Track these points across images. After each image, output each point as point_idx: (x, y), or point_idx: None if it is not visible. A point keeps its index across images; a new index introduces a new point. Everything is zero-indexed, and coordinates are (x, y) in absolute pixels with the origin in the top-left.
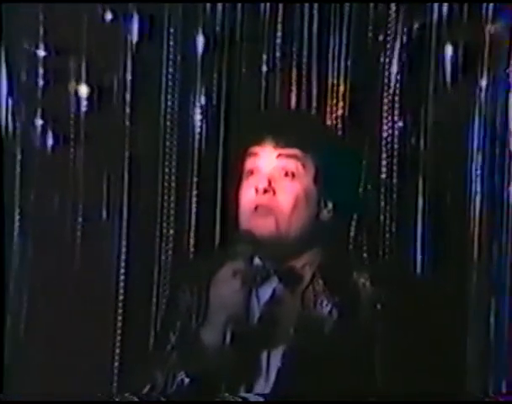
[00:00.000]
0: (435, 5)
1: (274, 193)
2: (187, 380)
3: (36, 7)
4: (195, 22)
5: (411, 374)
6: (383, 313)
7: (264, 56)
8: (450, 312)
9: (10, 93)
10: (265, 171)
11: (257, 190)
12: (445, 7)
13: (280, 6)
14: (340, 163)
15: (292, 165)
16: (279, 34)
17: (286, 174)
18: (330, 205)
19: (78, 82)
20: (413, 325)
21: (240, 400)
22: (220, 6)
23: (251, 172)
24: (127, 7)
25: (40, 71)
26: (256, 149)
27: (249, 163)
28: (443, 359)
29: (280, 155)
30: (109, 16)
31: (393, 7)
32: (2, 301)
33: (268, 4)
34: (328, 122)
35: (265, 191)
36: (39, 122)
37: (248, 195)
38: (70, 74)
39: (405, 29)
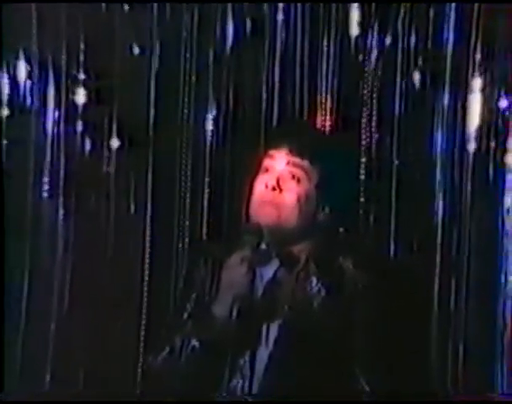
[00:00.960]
0: (405, 33)
1: (281, 191)
2: (199, 346)
3: (78, 38)
4: (207, 47)
5: (387, 342)
6: (363, 291)
7: (264, 77)
8: (418, 289)
9: (57, 108)
10: (276, 171)
11: (266, 186)
12: (413, 37)
13: (278, 35)
14: (341, 176)
15: (299, 172)
16: (277, 56)
17: (293, 177)
18: (327, 210)
19: (111, 99)
20: (387, 301)
21: (242, 400)
22: (230, 35)
23: (266, 170)
24: (152, 41)
25: (81, 91)
26: (273, 152)
27: (266, 162)
28: (412, 329)
29: (289, 162)
30: (136, 50)
31: (370, 35)
32: (2, 301)
33: (269, 33)
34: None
35: (273, 188)
36: (79, 131)
37: (259, 189)
38: (104, 94)
39: (380, 53)
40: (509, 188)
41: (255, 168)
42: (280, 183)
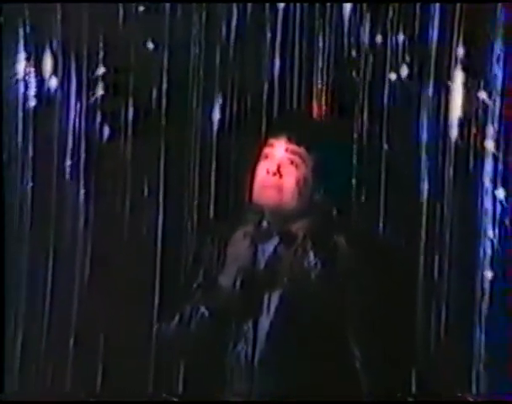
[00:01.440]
0: (394, 31)
1: (281, 176)
2: (207, 314)
3: (97, 36)
4: (214, 44)
5: (377, 311)
6: (355, 265)
7: (265, 72)
8: (405, 263)
9: (79, 100)
10: (276, 158)
11: (268, 172)
12: (401, 35)
13: (279, 33)
14: (334, 161)
15: (296, 158)
16: (277, 52)
17: (292, 163)
18: (322, 191)
19: (127, 91)
20: (377, 273)
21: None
22: (234, 33)
23: (266, 157)
24: (164, 38)
25: (100, 84)
26: (273, 141)
27: (266, 150)
28: (399, 298)
29: (287, 149)
30: (150, 47)
31: (362, 33)
32: (3, 301)
33: (269, 31)
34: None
35: (274, 174)
36: (98, 121)
37: (261, 174)
38: (121, 87)
39: (371, 49)
40: (487, 170)
41: (257, 155)
42: (280, 169)
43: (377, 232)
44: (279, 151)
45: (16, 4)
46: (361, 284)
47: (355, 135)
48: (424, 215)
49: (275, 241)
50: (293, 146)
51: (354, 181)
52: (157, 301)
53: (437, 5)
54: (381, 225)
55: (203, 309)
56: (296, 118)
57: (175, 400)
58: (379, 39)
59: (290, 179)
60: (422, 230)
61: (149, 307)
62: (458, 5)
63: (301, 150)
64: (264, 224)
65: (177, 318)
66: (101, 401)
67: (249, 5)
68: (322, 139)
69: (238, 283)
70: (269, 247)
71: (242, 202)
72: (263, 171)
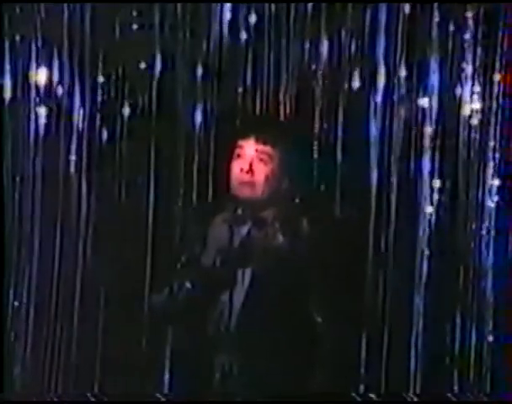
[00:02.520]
0: (348, 45)
1: (253, 173)
2: (191, 288)
3: (98, 50)
4: (197, 58)
5: (335, 279)
6: (316, 243)
7: (239, 82)
8: (358, 240)
9: (82, 105)
10: (247, 158)
11: (241, 170)
12: (353, 47)
13: (250, 47)
14: (297, 156)
15: (265, 156)
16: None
17: (261, 161)
18: (287, 182)
19: (123, 98)
20: (334, 249)
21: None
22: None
23: (238, 156)
24: (155, 53)
25: (99, 91)
26: (243, 142)
27: (237, 151)
28: (353, 267)
29: (257, 149)
30: (143, 61)
31: (320, 46)
32: (3, 302)
33: (245, 46)
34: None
35: (247, 172)
36: (98, 123)
37: (236, 172)
38: (118, 93)
39: (328, 60)
40: (425, 163)
41: (229, 156)
42: (252, 167)
43: (334, 215)
44: (249, 151)
45: (30, 19)
46: (322, 258)
47: (316, 134)
48: (373, 199)
49: (249, 225)
50: (261, 146)
51: (315, 172)
52: (148, 277)
53: (382, 27)
54: (338, 208)
55: (188, 284)
56: (262, 121)
57: (163, 400)
58: (335, 51)
59: (260, 175)
60: (371, 212)
61: (141, 284)
62: (400, 26)
63: (268, 148)
64: (239, 211)
65: (166, 291)
66: (99, 401)
67: (226, 24)
68: (285, 138)
69: (218, 261)
70: (244, 230)
71: (221, 192)
72: (237, 169)
